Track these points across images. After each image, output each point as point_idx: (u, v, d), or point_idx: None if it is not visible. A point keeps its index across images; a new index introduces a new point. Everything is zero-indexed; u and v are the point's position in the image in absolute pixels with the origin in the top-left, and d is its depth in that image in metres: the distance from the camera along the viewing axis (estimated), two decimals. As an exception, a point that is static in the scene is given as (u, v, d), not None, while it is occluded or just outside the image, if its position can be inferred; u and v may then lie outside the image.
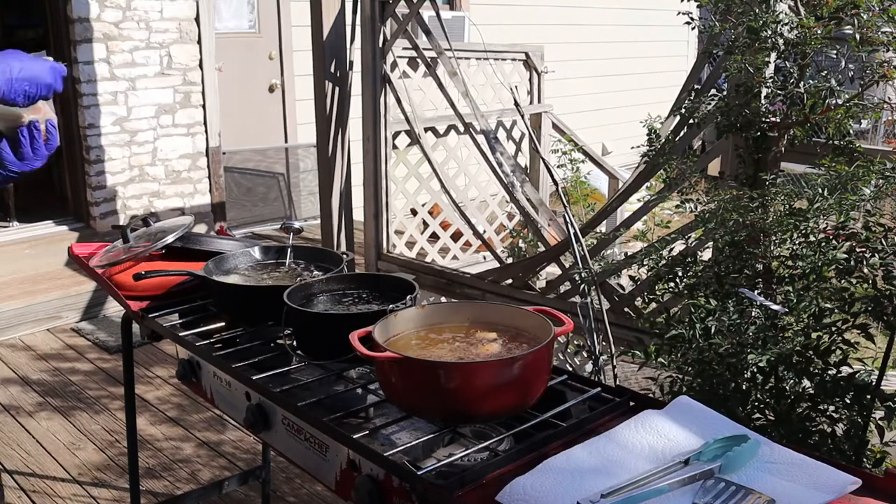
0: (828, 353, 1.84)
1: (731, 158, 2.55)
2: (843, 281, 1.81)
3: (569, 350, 3.27)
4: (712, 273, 2.02)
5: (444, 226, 5.10)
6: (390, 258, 4.04)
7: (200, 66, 5.62)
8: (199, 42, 5.58)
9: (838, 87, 1.99)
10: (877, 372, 1.81)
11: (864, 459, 1.84)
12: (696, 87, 2.71)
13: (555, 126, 5.67)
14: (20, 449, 3.28)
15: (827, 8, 2.02)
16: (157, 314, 1.98)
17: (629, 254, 2.34)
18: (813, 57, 2.06)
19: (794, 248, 1.91)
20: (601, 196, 7.21)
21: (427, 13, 3.78)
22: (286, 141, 6.59)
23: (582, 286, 2.63)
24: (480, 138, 3.73)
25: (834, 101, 2.01)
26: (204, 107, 5.70)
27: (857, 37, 1.93)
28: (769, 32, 2.00)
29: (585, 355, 2.86)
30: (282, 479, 3.00)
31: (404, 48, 4.08)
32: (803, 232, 1.87)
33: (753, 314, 1.88)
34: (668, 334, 1.94)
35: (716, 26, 2.17)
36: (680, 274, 2.09)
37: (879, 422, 1.80)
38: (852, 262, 1.79)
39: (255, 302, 1.82)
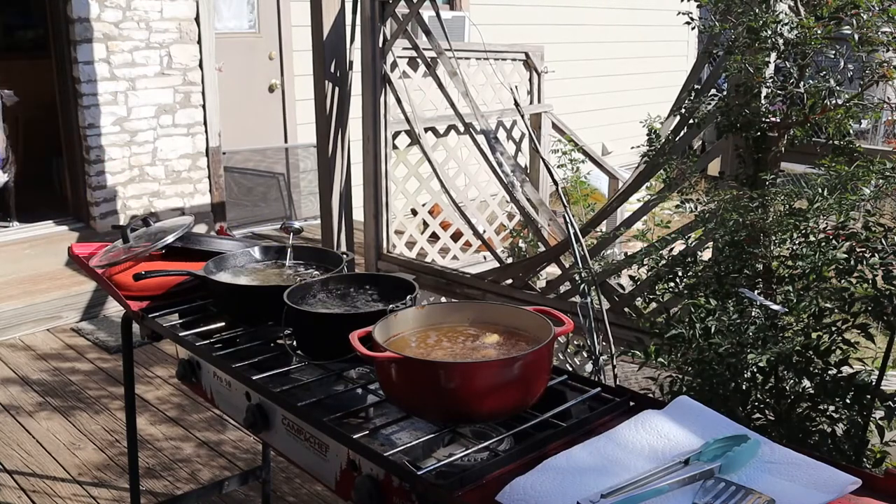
0: (828, 353, 1.83)
1: (731, 158, 2.55)
2: (843, 281, 1.81)
3: (569, 350, 3.27)
4: (712, 273, 2.02)
5: (444, 226, 5.10)
6: (390, 258, 4.04)
7: (200, 66, 5.62)
8: (199, 42, 5.58)
9: (838, 88, 1.99)
10: (877, 372, 1.81)
11: (864, 459, 1.84)
12: (696, 87, 2.70)
13: (555, 126, 5.67)
14: (20, 449, 3.28)
15: (827, 8, 2.02)
16: (157, 314, 1.98)
17: (629, 254, 2.34)
18: (813, 57, 2.06)
19: (794, 248, 1.91)
20: (601, 196, 7.21)
21: (427, 13, 3.78)
22: (286, 141, 6.59)
23: (582, 286, 2.63)
24: (480, 138, 3.72)
25: (834, 101, 2.01)
26: (204, 107, 5.70)
27: (857, 37, 1.93)
28: (769, 32, 2.00)
29: (585, 355, 2.86)
30: (282, 479, 3.00)
31: (404, 48, 4.07)
32: (803, 232, 1.87)
33: (753, 314, 1.88)
34: (668, 334, 1.94)
35: (716, 26, 2.17)
36: (680, 274, 2.09)
37: (879, 422, 1.80)
38: (852, 262, 1.79)
39: (255, 302, 1.82)
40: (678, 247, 2.36)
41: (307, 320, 1.62)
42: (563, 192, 3.75)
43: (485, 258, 4.93)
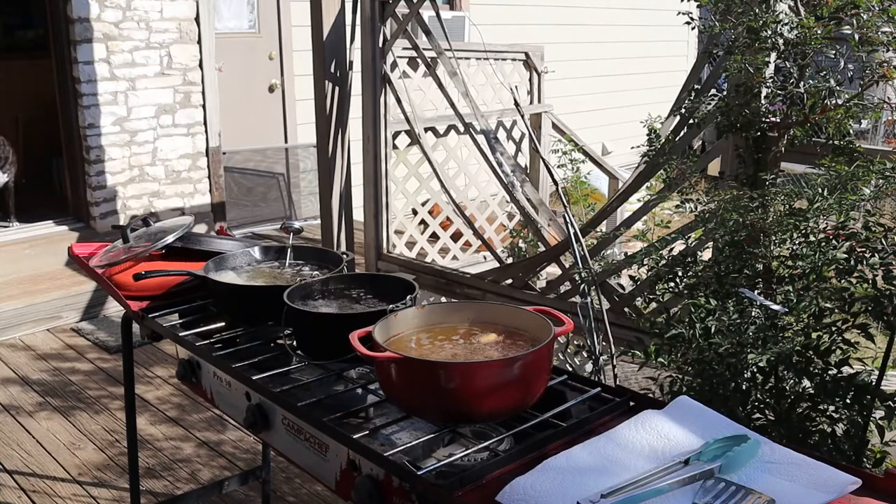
0: (828, 353, 1.84)
1: (731, 158, 2.55)
2: (843, 281, 1.81)
3: (569, 350, 3.27)
4: (712, 273, 2.02)
5: (444, 226, 5.10)
6: (390, 258, 4.04)
7: (200, 66, 5.62)
8: (199, 42, 5.58)
9: (838, 88, 1.99)
10: (877, 372, 1.81)
11: (864, 459, 1.84)
12: (696, 87, 2.70)
13: (555, 126, 5.67)
14: (20, 449, 3.28)
15: (827, 8, 2.02)
16: (157, 314, 1.98)
17: (629, 254, 2.34)
18: (813, 57, 2.06)
19: (794, 248, 1.91)
20: (601, 196, 7.21)
21: (427, 13, 3.78)
22: (286, 141, 6.59)
23: (582, 286, 2.63)
24: (480, 138, 3.73)
25: (834, 101, 2.01)
26: (204, 107, 5.70)
27: (857, 37, 1.93)
28: (769, 32, 2.00)
29: (585, 355, 2.86)
30: (282, 479, 3.00)
31: (404, 48, 4.07)
32: (803, 232, 1.87)
33: (753, 314, 1.88)
34: (668, 334, 1.94)
35: (716, 26, 2.17)
36: (680, 274, 2.09)
37: (879, 422, 1.80)
38: (852, 262, 1.79)
39: (255, 302, 1.82)
40: (678, 247, 2.36)
41: (307, 320, 1.62)
42: (563, 192, 3.76)
43: (485, 258, 4.93)
